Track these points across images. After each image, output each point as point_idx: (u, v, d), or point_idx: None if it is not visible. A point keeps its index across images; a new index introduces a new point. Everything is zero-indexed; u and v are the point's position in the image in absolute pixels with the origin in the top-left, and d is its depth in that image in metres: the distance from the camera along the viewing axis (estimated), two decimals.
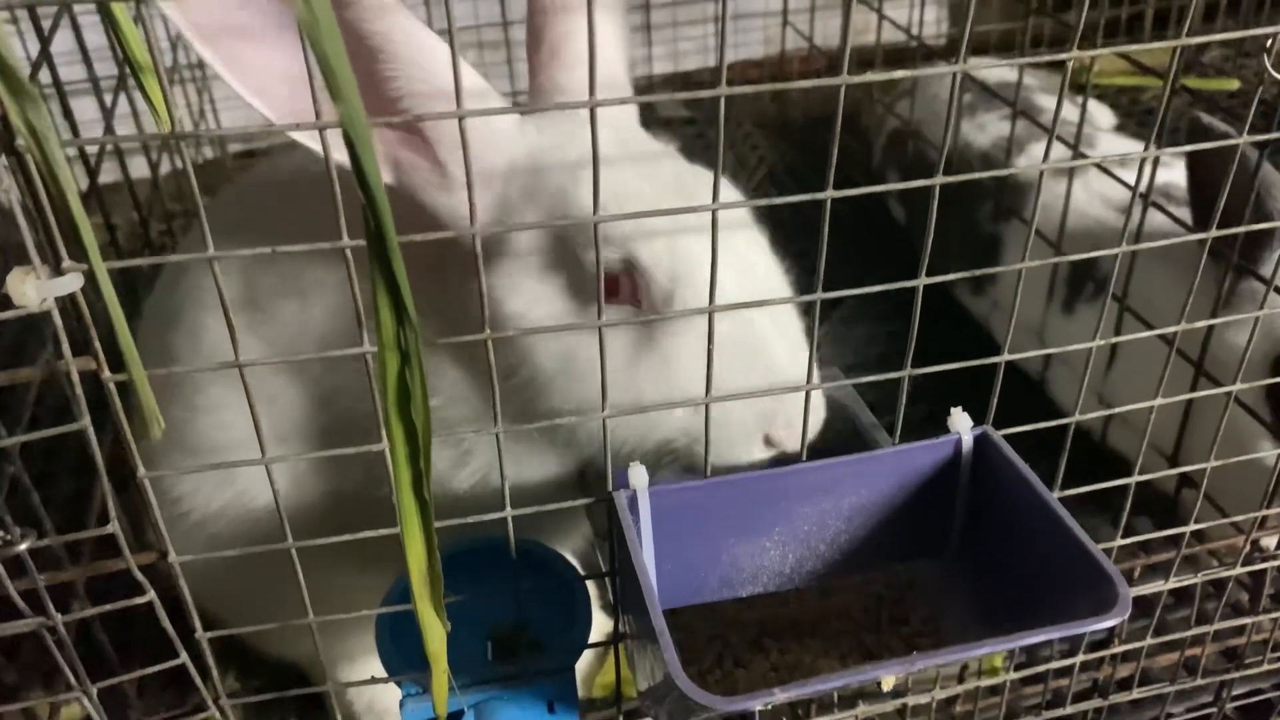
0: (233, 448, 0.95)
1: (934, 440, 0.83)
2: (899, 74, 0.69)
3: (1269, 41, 0.70)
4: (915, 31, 2.06)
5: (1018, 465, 0.79)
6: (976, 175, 0.79)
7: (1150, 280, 1.43)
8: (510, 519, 0.79)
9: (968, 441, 0.83)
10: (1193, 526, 1.01)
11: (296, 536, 0.73)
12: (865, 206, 2.04)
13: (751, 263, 0.89)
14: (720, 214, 0.68)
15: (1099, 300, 1.59)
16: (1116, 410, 1.09)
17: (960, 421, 0.83)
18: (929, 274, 0.78)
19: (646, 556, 0.81)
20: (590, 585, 0.90)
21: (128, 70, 0.64)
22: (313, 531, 0.75)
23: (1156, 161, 1.52)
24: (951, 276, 0.81)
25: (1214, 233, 0.88)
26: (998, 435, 0.82)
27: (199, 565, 0.75)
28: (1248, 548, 1.01)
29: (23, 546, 0.67)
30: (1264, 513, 1.24)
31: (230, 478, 0.99)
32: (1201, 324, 1.01)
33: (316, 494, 1.00)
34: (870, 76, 0.67)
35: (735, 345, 0.82)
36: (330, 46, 0.48)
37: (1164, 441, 1.48)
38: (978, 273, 0.82)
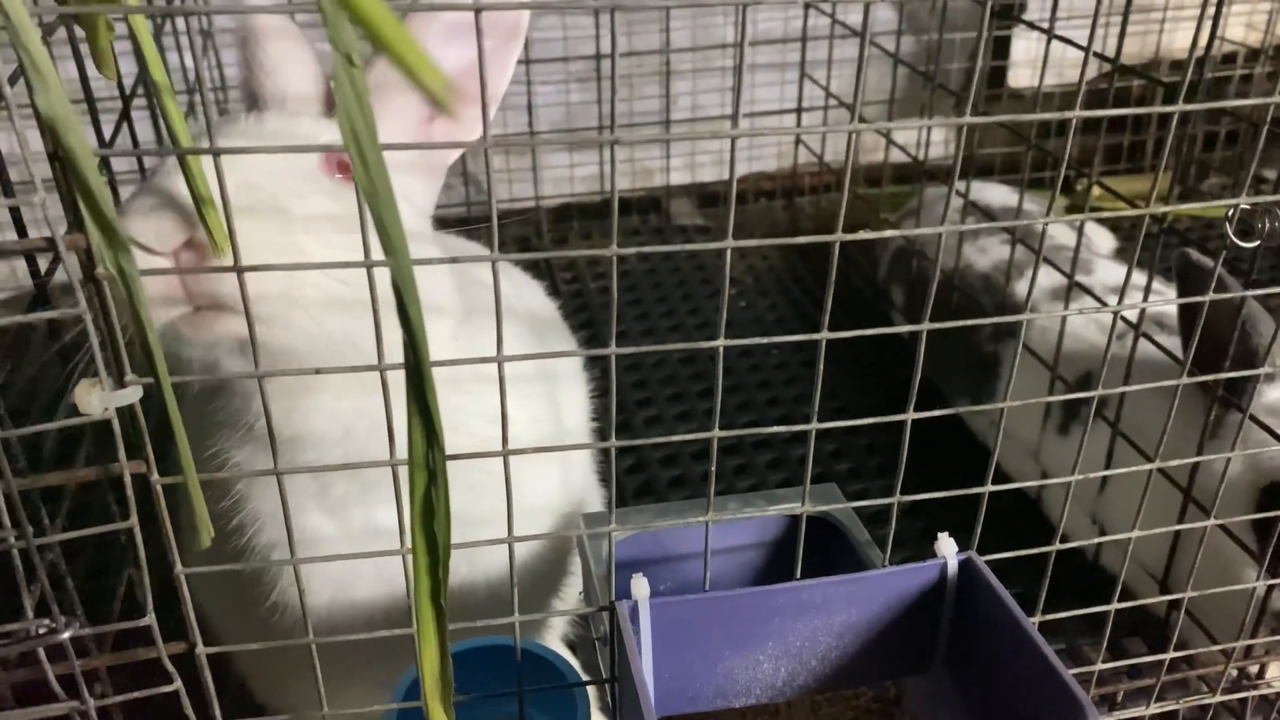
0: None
1: (921, 564, 0.88)
2: (888, 233, 0.76)
3: (1229, 211, 0.76)
4: (923, 152, 2.16)
5: (998, 590, 0.84)
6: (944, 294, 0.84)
7: (1141, 407, 1.49)
8: (517, 624, 0.84)
9: (953, 565, 0.88)
10: (1171, 655, 1.05)
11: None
12: (869, 321, 2.11)
13: None
14: None
15: (1093, 424, 1.64)
16: (1104, 539, 1.13)
17: (946, 547, 0.88)
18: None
19: (645, 664, 0.85)
20: (591, 688, 0.95)
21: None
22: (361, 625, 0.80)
23: (1148, 291, 1.60)
24: (945, 412, 0.86)
25: (1190, 377, 0.93)
26: (980, 560, 0.87)
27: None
28: (1234, 673, 1.05)
29: (66, 635, 0.72)
30: (1247, 641, 1.28)
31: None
32: (1183, 461, 1.05)
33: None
34: (861, 235, 0.74)
35: None
36: (386, 210, 0.55)
37: (1155, 564, 1.52)
38: (965, 410, 0.87)
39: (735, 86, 0.69)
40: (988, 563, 0.89)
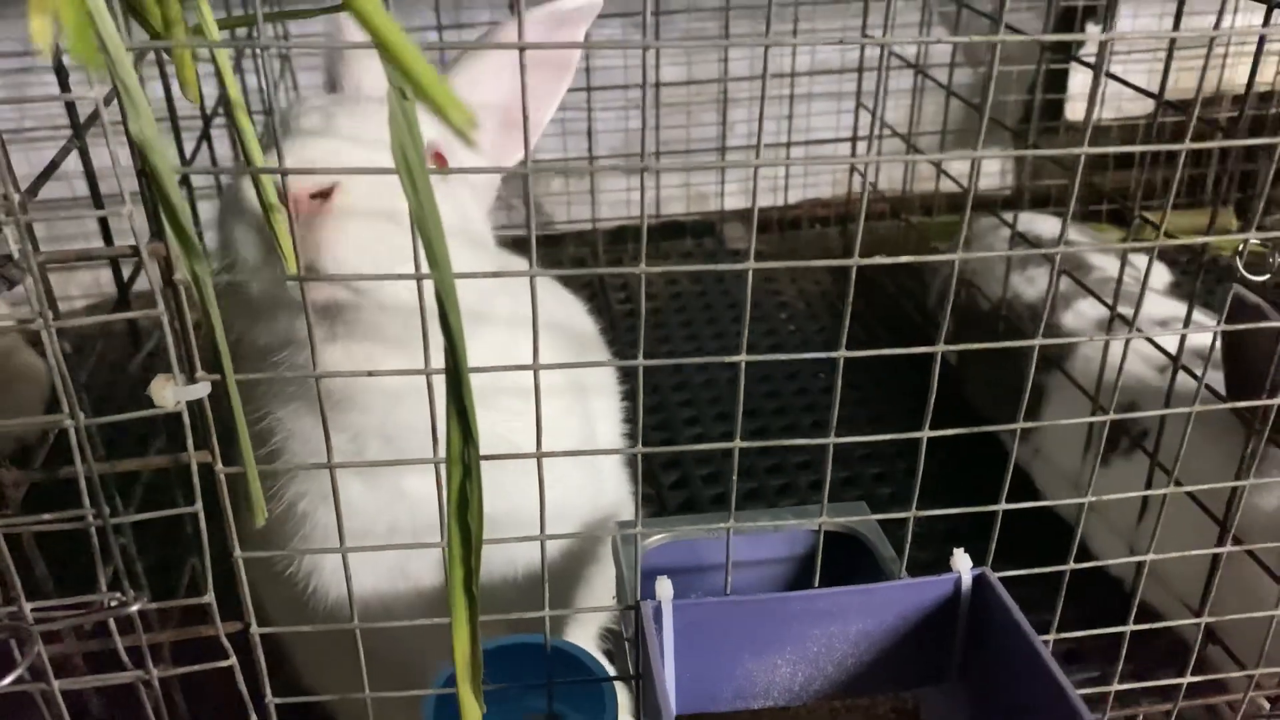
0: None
1: (936, 577, 0.91)
2: (904, 259, 0.80)
3: (1239, 245, 0.79)
4: (986, 181, 2.19)
5: (1010, 607, 0.87)
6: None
7: (1179, 439, 1.50)
8: (547, 618, 0.89)
9: (966, 580, 0.91)
10: (1189, 679, 1.07)
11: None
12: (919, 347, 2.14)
13: None
14: None
15: (1133, 455, 1.65)
16: (1123, 560, 1.15)
17: (961, 562, 0.91)
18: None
19: (668, 664, 0.90)
20: (622, 687, 1.00)
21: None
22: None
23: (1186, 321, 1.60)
24: (962, 431, 0.90)
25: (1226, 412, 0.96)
26: (994, 577, 0.90)
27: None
28: (1245, 703, 1.06)
29: (135, 608, 0.79)
30: (1265, 670, 1.28)
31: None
32: (1200, 487, 1.07)
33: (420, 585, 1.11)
34: (878, 260, 0.78)
35: None
36: (433, 229, 0.61)
37: (1192, 597, 1.53)
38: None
39: (760, 117, 0.74)
40: (1003, 579, 0.92)
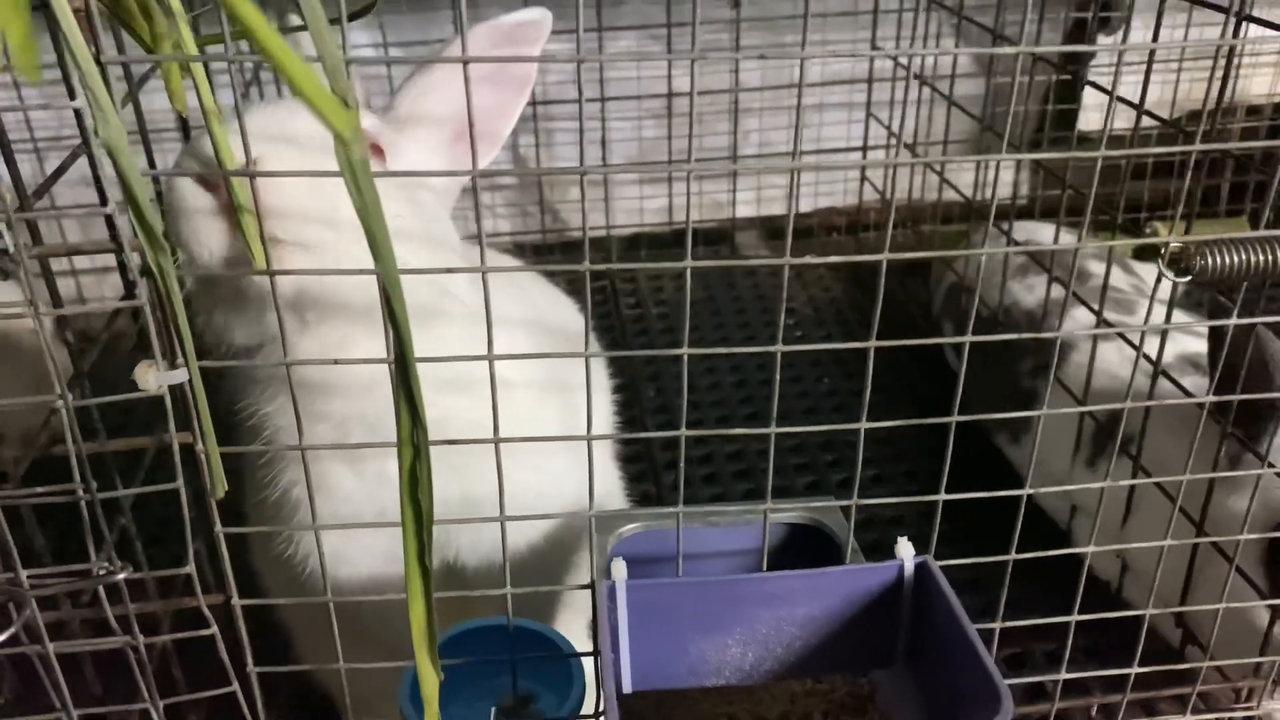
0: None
1: (879, 564, 0.96)
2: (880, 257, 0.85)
3: (1160, 250, 0.83)
4: (982, 192, 2.22)
5: (947, 592, 0.92)
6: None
7: (1163, 444, 1.52)
8: (509, 596, 0.95)
9: (909, 567, 0.95)
10: (1135, 670, 1.10)
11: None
12: (923, 355, 2.18)
13: None
14: None
15: (1119, 459, 1.68)
16: (1079, 550, 1.18)
17: (904, 550, 0.96)
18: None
19: (624, 641, 0.95)
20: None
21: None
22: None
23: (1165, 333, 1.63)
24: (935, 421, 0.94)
25: (1206, 414, 0.99)
26: (935, 564, 0.95)
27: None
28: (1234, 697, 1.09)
29: (120, 576, 0.86)
30: (1231, 661, 1.30)
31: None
32: (1192, 477, 1.10)
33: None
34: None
35: None
36: (376, 225, 0.66)
37: (1172, 597, 1.55)
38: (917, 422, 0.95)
39: (796, 126, 0.79)
40: (946, 568, 0.96)
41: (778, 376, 0.88)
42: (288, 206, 0.81)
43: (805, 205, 2.73)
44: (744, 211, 2.69)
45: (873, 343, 0.87)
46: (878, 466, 1.95)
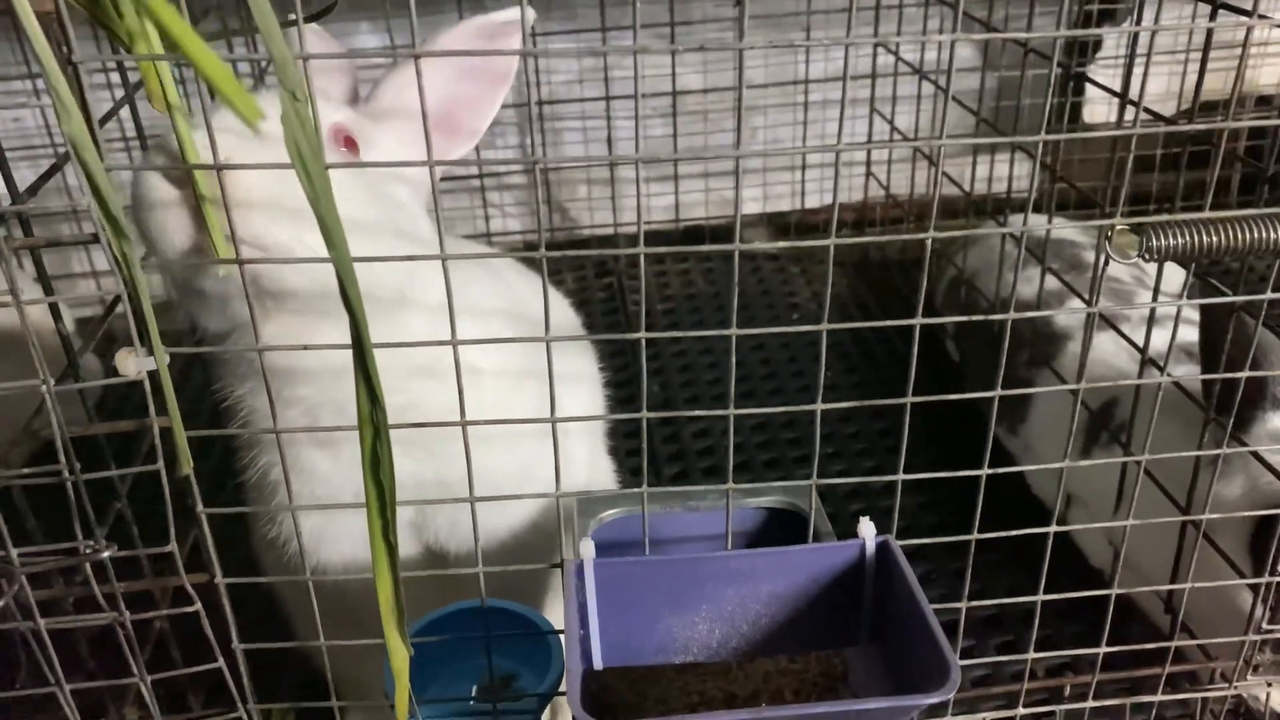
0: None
1: (841, 544, 0.98)
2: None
3: (1108, 232, 0.85)
4: (1014, 184, 2.24)
5: (905, 570, 0.94)
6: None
7: (1157, 435, 1.53)
8: (481, 575, 0.98)
9: (870, 547, 0.97)
10: (1104, 649, 1.11)
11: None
12: (924, 346, 2.19)
13: None
14: None
15: (1112, 448, 1.69)
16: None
17: (865, 529, 0.98)
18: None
19: (593, 619, 0.98)
20: None
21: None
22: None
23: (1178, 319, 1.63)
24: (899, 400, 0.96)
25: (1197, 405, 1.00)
26: (896, 544, 0.97)
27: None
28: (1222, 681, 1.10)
29: (105, 554, 0.90)
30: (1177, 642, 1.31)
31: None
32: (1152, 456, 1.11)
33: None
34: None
35: None
36: (328, 212, 0.70)
37: (1161, 583, 1.56)
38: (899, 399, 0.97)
39: (737, 124, 0.82)
40: (907, 548, 0.98)
41: (733, 360, 0.90)
42: (252, 201, 0.85)
43: (812, 201, 2.75)
44: (751, 208, 2.71)
45: (825, 325, 0.89)
46: (876, 458, 1.97)
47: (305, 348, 0.86)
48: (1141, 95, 1.21)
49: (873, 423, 2.06)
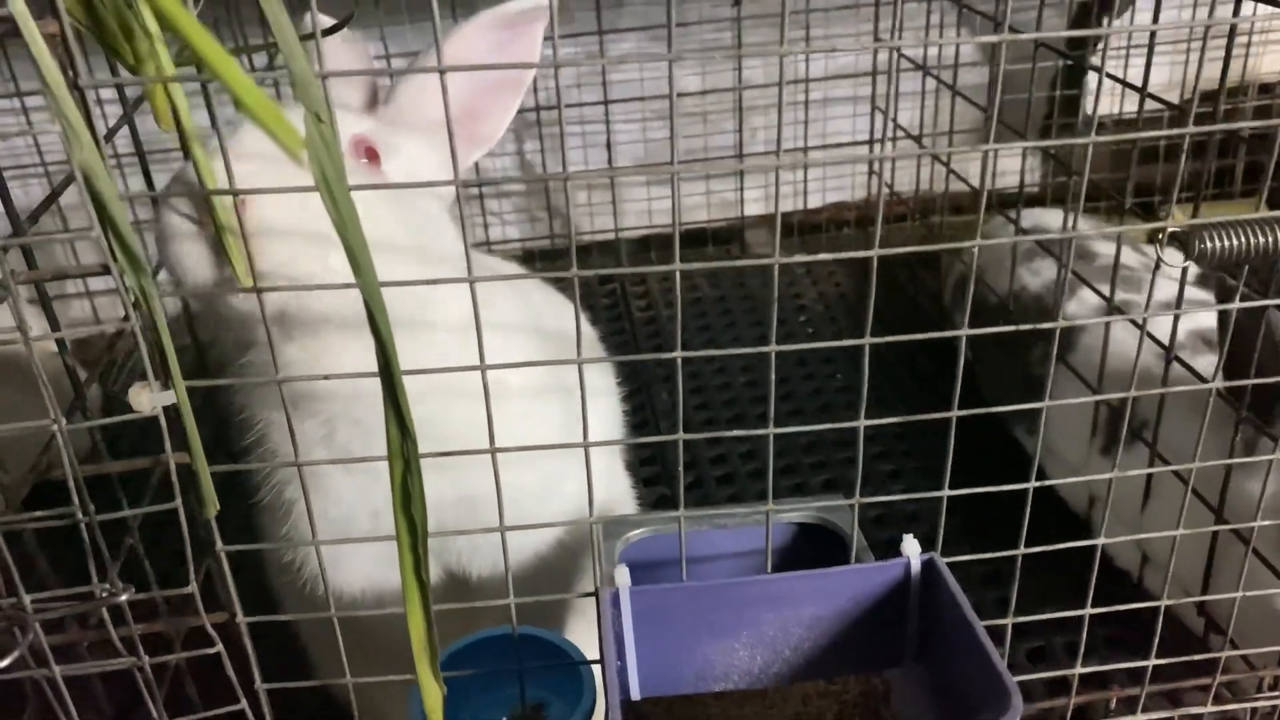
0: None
1: (885, 563, 0.94)
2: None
3: (1160, 234, 0.81)
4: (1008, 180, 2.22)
5: (954, 589, 0.90)
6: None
7: (1178, 429, 1.50)
8: (513, 605, 0.94)
9: (916, 565, 0.94)
10: (1154, 661, 1.08)
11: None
12: (934, 346, 2.16)
13: None
14: None
15: (1134, 445, 1.66)
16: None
17: (910, 548, 0.95)
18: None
19: (629, 648, 0.95)
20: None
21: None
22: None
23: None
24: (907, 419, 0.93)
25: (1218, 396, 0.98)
26: (942, 562, 0.93)
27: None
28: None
29: (123, 598, 0.86)
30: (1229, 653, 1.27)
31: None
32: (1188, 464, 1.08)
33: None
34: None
35: None
36: (354, 237, 0.66)
37: (1193, 585, 1.53)
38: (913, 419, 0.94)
39: (738, 126, 0.78)
40: (961, 564, 0.95)
41: (773, 377, 0.87)
42: (272, 227, 0.81)
43: (815, 200, 2.72)
44: (752, 209, 2.68)
45: (868, 339, 0.86)
46: (894, 461, 1.93)
47: (327, 377, 0.83)
48: (1145, 85, 1.18)
49: (887, 427, 2.03)
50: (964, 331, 0.87)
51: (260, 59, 1.73)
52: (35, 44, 0.58)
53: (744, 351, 0.88)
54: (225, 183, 0.75)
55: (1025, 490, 0.98)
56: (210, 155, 0.77)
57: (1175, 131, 0.81)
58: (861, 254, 0.85)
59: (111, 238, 0.65)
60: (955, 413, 0.90)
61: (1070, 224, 1.82)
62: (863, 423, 0.90)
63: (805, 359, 2.21)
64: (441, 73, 0.72)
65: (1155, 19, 1.38)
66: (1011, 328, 0.96)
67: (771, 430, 0.89)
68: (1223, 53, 1.37)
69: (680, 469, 0.90)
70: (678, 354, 0.86)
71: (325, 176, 0.64)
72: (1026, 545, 0.99)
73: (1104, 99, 2.72)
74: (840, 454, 1.94)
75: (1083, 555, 1.08)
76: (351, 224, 0.65)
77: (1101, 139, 0.80)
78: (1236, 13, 1.25)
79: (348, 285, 0.69)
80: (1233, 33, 1.18)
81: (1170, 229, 0.80)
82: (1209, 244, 0.81)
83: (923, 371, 2.15)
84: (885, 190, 2.58)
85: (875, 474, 1.91)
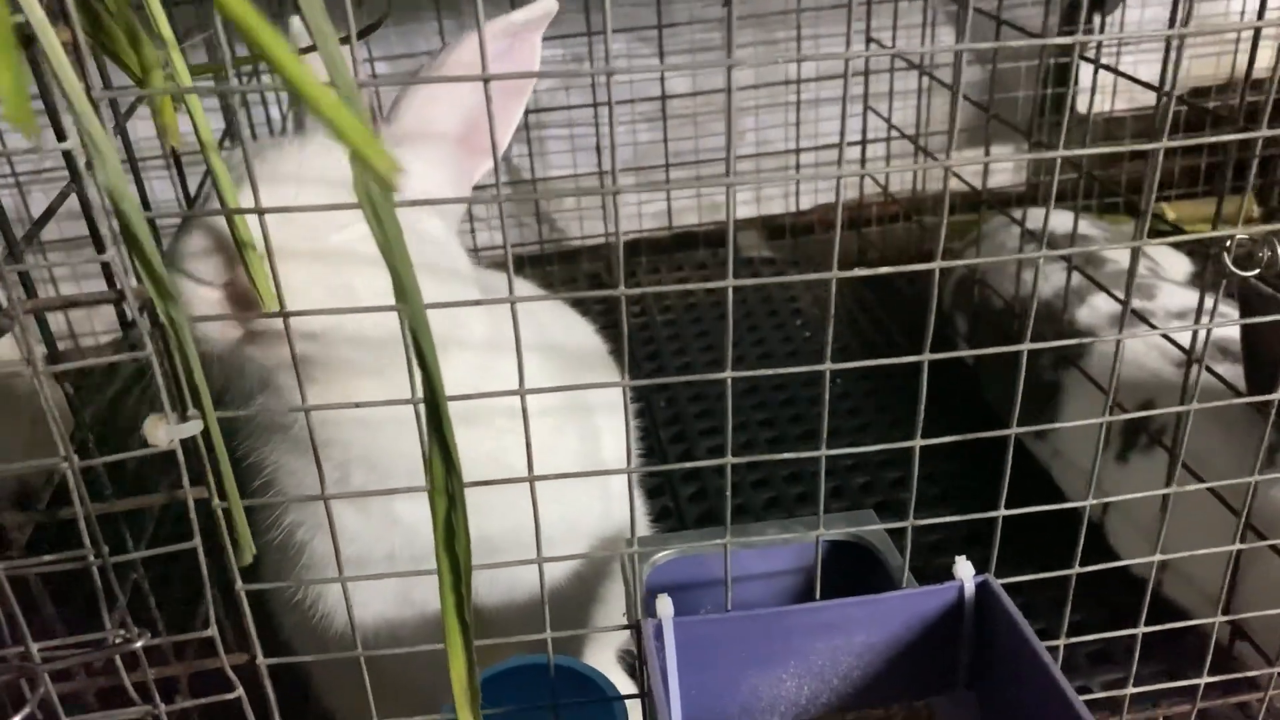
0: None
1: (939, 586, 0.91)
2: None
3: (1227, 242, 0.78)
4: (998, 179, 2.18)
5: (1013, 613, 0.87)
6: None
7: (1200, 435, 1.48)
8: (549, 639, 0.89)
9: (969, 588, 0.90)
10: (1205, 679, 1.05)
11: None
12: (935, 348, 2.13)
13: None
14: None
15: (1152, 452, 1.63)
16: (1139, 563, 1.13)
17: (963, 570, 0.91)
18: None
19: (672, 681, 0.90)
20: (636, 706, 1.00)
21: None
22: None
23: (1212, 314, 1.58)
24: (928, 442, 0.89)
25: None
26: (996, 583, 0.90)
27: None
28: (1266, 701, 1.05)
29: (138, 644, 0.80)
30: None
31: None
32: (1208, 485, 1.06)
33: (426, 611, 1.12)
34: (856, 272, 0.78)
35: None
36: (401, 262, 0.61)
37: (1217, 593, 1.50)
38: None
39: (727, 132, 0.74)
40: (1019, 583, 0.91)
41: (826, 397, 0.83)
42: (298, 289, 0.77)
43: (805, 202, 2.69)
44: (743, 212, 2.64)
45: (926, 356, 0.82)
46: (901, 468, 1.90)
47: (357, 405, 0.78)
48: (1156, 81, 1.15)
49: (892, 432, 1.99)
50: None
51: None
52: (55, 54, 0.53)
53: (801, 370, 0.84)
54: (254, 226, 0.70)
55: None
56: (235, 179, 0.71)
57: (1240, 135, 0.78)
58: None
59: (137, 263, 0.59)
60: (1020, 429, 0.86)
61: (1075, 227, 1.80)
62: (918, 443, 0.86)
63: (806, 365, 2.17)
64: (485, 81, 0.67)
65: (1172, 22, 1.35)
66: (1038, 344, 0.92)
67: (824, 452, 0.85)
68: (1208, 50, 1.34)
69: (729, 493, 0.86)
70: (728, 374, 0.82)
71: (370, 195, 0.59)
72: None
73: (1092, 96, 2.71)
74: (845, 462, 1.91)
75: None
76: (399, 246, 0.60)
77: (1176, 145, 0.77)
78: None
79: (389, 308, 0.64)
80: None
81: (1238, 235, 0.76)
82: (1278, 253, 0.78)
83: (930, 377, 2.12)
84: (878, 191, 2.56)
85: (882, 480, 1.87)
